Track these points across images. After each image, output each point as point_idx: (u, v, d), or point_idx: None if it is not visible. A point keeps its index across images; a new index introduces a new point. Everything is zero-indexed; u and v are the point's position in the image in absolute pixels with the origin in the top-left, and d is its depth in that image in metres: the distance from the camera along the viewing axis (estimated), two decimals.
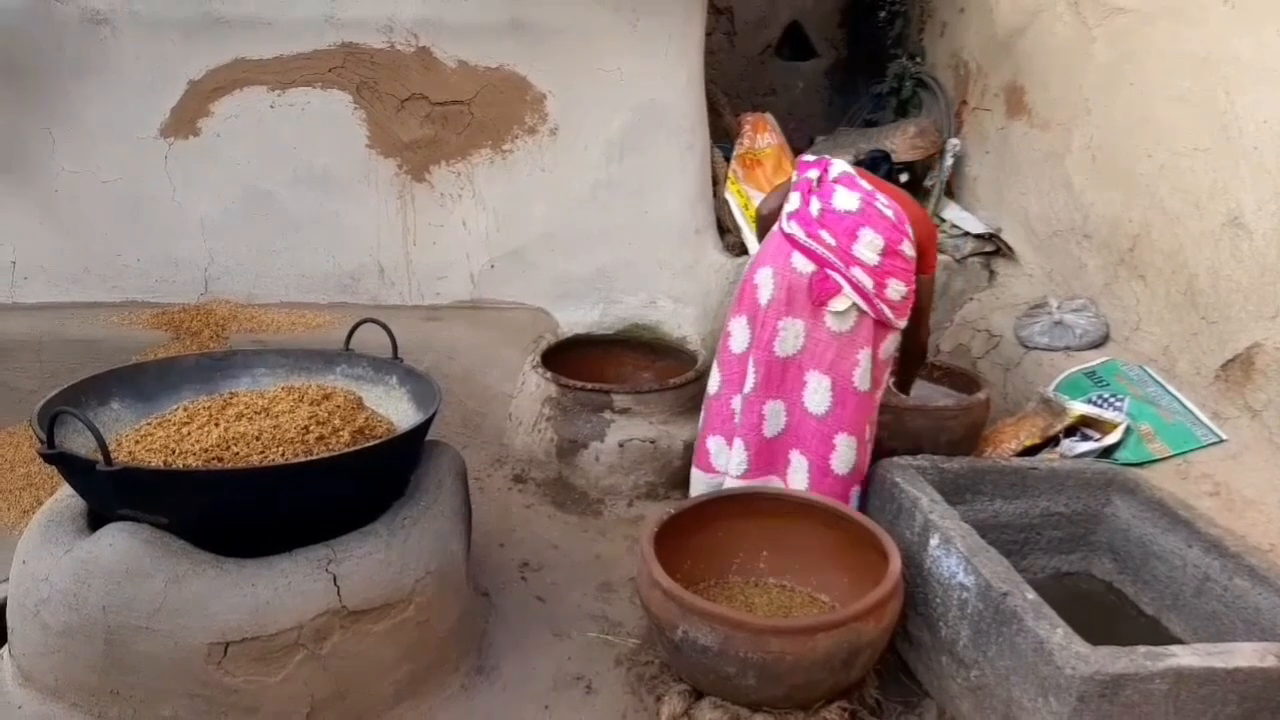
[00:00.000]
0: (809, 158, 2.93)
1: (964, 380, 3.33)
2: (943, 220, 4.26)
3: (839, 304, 2.62)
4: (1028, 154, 3.97)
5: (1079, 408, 3.01)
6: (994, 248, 4.10)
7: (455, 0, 3.89)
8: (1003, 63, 4.15)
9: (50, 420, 1.97)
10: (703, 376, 3.58)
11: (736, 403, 2.82)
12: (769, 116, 4.58)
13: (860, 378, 2.66)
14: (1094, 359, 3.32)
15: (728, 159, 4.43)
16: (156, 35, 3.98)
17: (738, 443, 2.78)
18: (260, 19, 3.99)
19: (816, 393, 2.68)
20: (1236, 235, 2.92)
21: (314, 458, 2.10)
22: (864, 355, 2.65)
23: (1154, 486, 2.59)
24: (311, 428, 2.20)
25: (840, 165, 2.83)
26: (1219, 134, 2.99)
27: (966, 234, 4.13)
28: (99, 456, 1.90)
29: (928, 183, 4.43)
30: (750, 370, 2.74)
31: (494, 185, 4.30)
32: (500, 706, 2.30)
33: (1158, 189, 3.24)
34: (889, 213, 2.69)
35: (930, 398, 3.23)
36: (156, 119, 4.08)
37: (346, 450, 2.15)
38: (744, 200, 4.26)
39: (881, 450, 2.80)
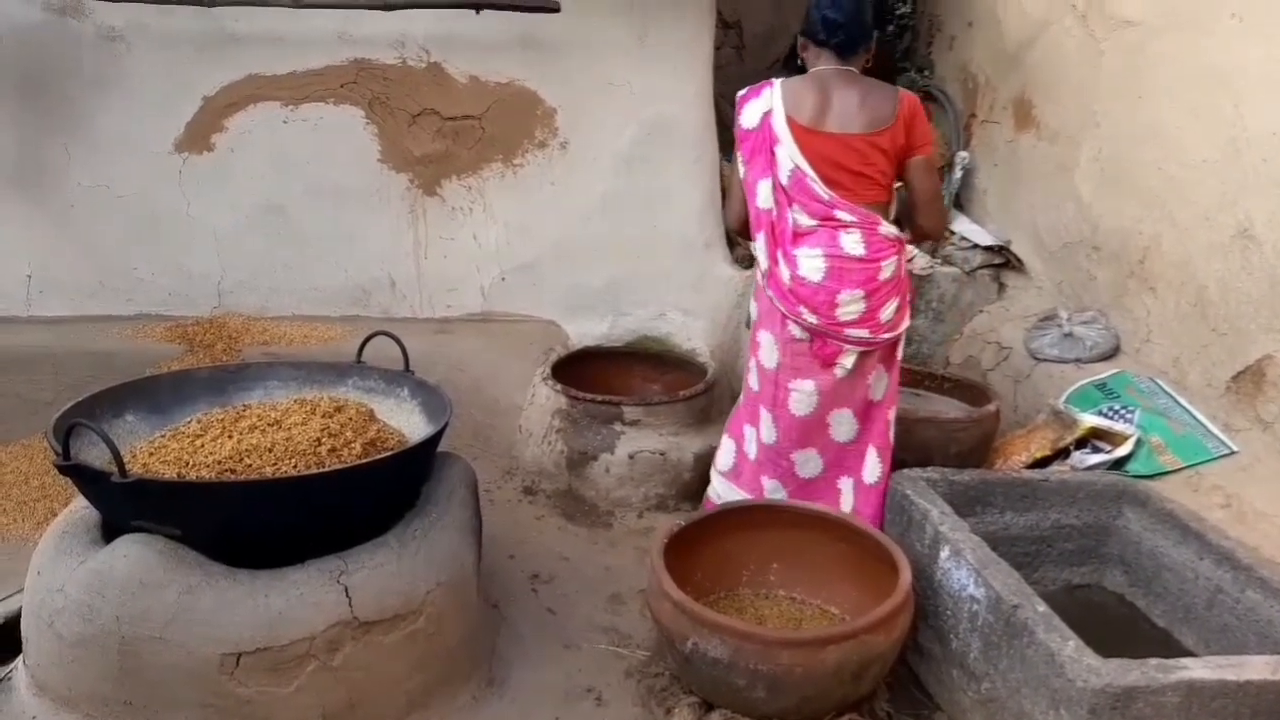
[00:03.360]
0: (749, 113, 2.66)
1: (974, 392, 3.33)
2: (952, 233, 4.27)
3: (846, 361, 2.61)
4: (1037, 166, 3.97)
5: (1089, 420, 3.00)
6: (1003, 260, 4.10)
7: (466, 16, 3.92)
8: (1011, 76, 4.16)
9: (66, 432, 1.99)
10: (712, 388, 3.60)
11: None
12: None
13: (874, 390, 2.69)
14: (1104, 371, 3.31)
15: None
16: (171, 51, 4.03)
17: (773, 483, 2.79)
18: (273, 35, 4.04)
19: (841, 425, 2.70)
20: (1247, 247, 2.92)
21: (326, 470, 2.12)
22: (874, 375, 2.67)
23: (1165, 499, 2.58)
24: (324, 440, 2.21)
25: (787, 158, 2.55)
26: (1228, 146, 2.99)
27: (976, 246, 4.13)
28: (113, 468, 1.91)
29: None
30: (770, 423, 2.74)
31: (504, 199, 4.33)
32: (510, 718, 2.30)
33: (1167, 201, 3.24)
34: (854, 241, 2.56)
35: (940, 410, 3.23)
36: (171, 134, 4.13)
37: (358, 462, 2.16)
38: None
39: (892, 463, 2.80)
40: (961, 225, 4.27)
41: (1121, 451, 2.90)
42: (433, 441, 2.35)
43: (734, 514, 2.59)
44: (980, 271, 4.09)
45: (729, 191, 2.84)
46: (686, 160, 4.24)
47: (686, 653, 2.09)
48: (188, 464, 2.10)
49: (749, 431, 2.85)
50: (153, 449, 2.21)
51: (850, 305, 2.57)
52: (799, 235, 2.61)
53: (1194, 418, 2.96)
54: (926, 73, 4.79)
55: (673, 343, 4.09)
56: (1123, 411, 3.05)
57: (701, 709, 2.18)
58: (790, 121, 2.58)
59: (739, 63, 5.38)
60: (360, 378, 2.70)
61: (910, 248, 3.99)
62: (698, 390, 3.54)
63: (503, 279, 4.43)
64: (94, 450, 2.07)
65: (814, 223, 2.59)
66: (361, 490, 2.16)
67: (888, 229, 2.61)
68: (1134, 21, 3.43)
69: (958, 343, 4.07)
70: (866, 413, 2.70)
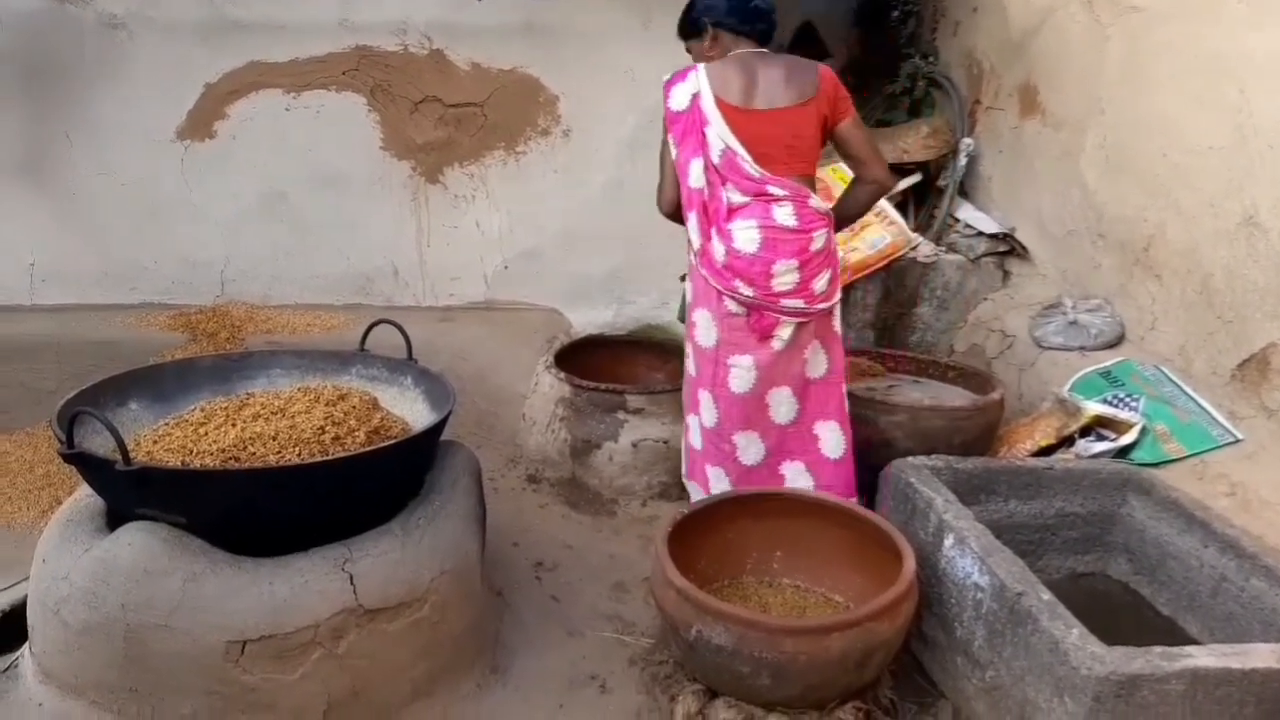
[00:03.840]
0: (677, 96, 2.68)
1: (978, 380, 3.32)
2: (956, 220, 4.26)
3: (783, 332, 2.65)
4: (1041, 153, 3.96)
5: (1094, 408, 3.00)
6: (1008, 248, 4.09)
7: (468, 3, 3.91)
8: (1016, 62, 4.14)
9: (70, 420, 1.99)
10: None
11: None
12: None
13: (811, 368, 2.73)
14: (1109, 359, 3.31)
15: None
16: (173, 39, 4.02)
17: (717, 470, 2.82)
18: (275, 22, 4.03)
19: (781, 405, 2.74)
20: (1252, 234, 2.90)
21: (330, 458, 2.12)
22: (810, 350, 2.71)
23: (1170, 487, 2.58)
24: (327, 428, 2.21)
25: (718, 138, 2.60)
26: (1234, 133, 2.98)
27: (980, 234, 4.12)
28: (118, 456, 1.91)
29: (941, 182, 4.42)
30: (711, 404, 2.77)
31: (507, 187, 4.32)
32: (514, 705, 2.30)
33: (1172, 188, 3.23)
34: (786, 213, 2.61)
35: (944, 398, 3.22)
36: (173, 122, 4.13)
37: (362, 450, 2.16)
38: None
39: (896, 451, 2.79)
40: (966, 212, 4.26)
41: (1126, 439, 2.90)
42: (436, 430, 2.35)
43: (737, 502, 2.59)
44: (984, 259, 4.09)
45: (661, 176, 2.82)
46: None
47: (690, 640, 2.09)
48: (192, 452, 2.10)
49: (692, 421, 2.88)
50: (157, 437, 2.20)
51: (785, 275, 2.61)
52: (732, 210, 2.66)
53: (1199, 405, 2.96)
54: (931, 59, 4.77)
55: (676, 330, 4.08)
56: (1127, 399, 3.05)
57: (705, 697, 2.18)
58: (719, 102, 2.63)
59: None
60: (364, 366, 2.71)
61: (915, 235, 3.99)
62: None
63: (505, 267, 4.42)
64: (98, 438, 2.07)
65: (746, 199, 2.64)
66: (365, 478, 2.16)
67: (816, 202, 2.67)
68: (1139, 7, 3.41)
69: (962, 330, 4.07)
70: (805, 390, 2.74)
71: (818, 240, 2.65)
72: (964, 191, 4.42)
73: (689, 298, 2.85)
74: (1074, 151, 3.73)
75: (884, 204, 4.08)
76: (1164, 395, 3.04)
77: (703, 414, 2.81)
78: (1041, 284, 3.92)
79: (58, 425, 2.02)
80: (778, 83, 2.66)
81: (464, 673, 2.31)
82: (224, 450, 2.10)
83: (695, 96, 2.66)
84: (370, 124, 4.21)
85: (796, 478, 2.79)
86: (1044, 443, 3.00)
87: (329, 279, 4.35)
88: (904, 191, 4.42)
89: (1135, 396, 3.05)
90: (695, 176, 2.69)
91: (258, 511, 2.07)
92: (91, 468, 2.05)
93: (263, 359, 2.71)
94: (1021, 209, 4.10)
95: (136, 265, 4.24)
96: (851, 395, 3.02)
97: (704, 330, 2.75)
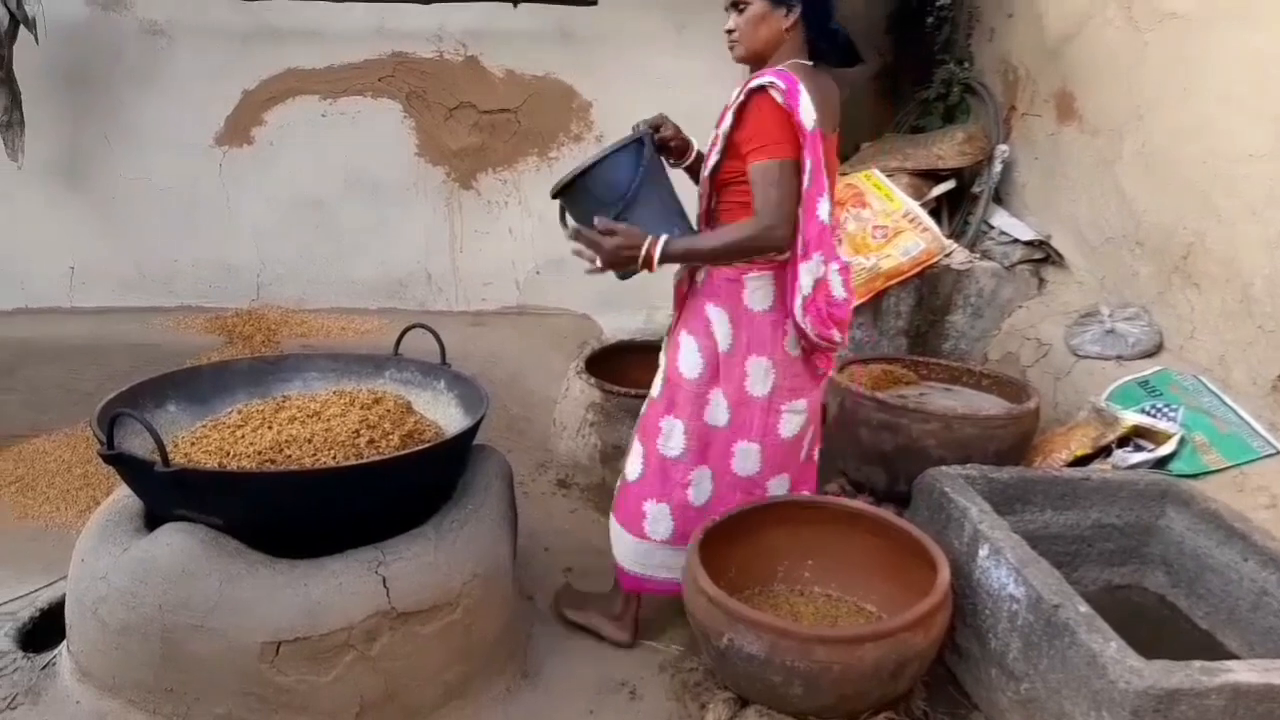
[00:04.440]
0: (809, 109, 2.16)
1: (1013, 389, 3.28)
2: (991, 227, 4.22)
3: (832, 370, 2.58)
4: (1078, 160, 3.92)
5: (1131, 418, 2.96)
6: (1043, 255, 4.05)
7: (503, 9, 3.93)
8: (1052, 68, 4.10)
9: (110, 422, 2.02)
10: None
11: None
12: None
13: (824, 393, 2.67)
14: (1147, 368, 3.26)
15: None
16: (212, 46, 4.07)
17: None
18: (312, 29, 4.07)
19: (808, 440, 2.61)
20: None
21: (364, 461, 2.13)
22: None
23: (1208, 498, 2.54)
24: (362, 431, 2.23)
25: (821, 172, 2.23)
26: (1276, 139, 2.93)
27: (1016, 241, 4.08)
28: (156, 458, 1.94)
29: (976, 189, 4.38)
30: (756, 454, 2.49)
31: (540, 192, 4.30)
32: (545, 710, 2.31)
33: (1212, 196, 3.18)
34: (842, 252, 2.52)
35: (979, 406, 3.19)
36: (211, 127, 4.18)
37: (396, 454, 2.17)
38: None
39: (929, 459, 2.77)
40: (1001, 219, 4.22)
41: (1164, 450, 2.86)
42: (469, 434, 2.36)
43: (769, 510, 2.58)
44: (1020, 266, 4.04)
45: (783, 199, 2.20)
46: None
47: (722, 648, 2.09)
48: (229, 454, 2.13)
49: (696, 476, 2.48)
50: (194, 439, 2.23)
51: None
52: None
53: (1239, 416, 2.91)
54: (966, 65, 4.73)
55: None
56: (1166, 409, 3.01)
57: (736, 705, 2.18)
58: (818, 123, 2.20)
59: None
60: (398, 370, 2.73)
61: (949, 242, 3.96)
62: None
63: (537, 272, 4.44)
64: (137, 440, 2.10)
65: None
66: (399, 482, 2.17)
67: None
68: (1179, 13, 3.37)
69: (996, 338, 4.03)
70: (819, 419, 2.66)
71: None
72: (999, 198, 4.37)
73: (729, 345, 2.42)
74: (1111, 158, 3.69)
75: (918, 210, 4.05)
76: (1203, 405, 2.99)
77: (736, 463, 2.48)
78: (1078, 292, 3.88)
79: (98, 426, 2.05)
80: (835, 104, 2.37)
81: (495, 676, 2.32)
82: (260, 453, 2.12)
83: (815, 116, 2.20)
84: (405, 130, 4.24)
85: None
86: (1080, 452, 2.96)
87: (363, 283, 4.38)
88: (938, 198, 4.39)
89: (1173, 406, 3.01)
90: (825, 212, 2.24)
91: (293, 513, 2.09)
92: (131, 469, 2.07)
93: (298, 362, 2.74)
94: (1057, 216, 4.06)
95: (174, 269, 4.30)
96: (883, 403, 3.00)
97: (758, 379, 2.42)
